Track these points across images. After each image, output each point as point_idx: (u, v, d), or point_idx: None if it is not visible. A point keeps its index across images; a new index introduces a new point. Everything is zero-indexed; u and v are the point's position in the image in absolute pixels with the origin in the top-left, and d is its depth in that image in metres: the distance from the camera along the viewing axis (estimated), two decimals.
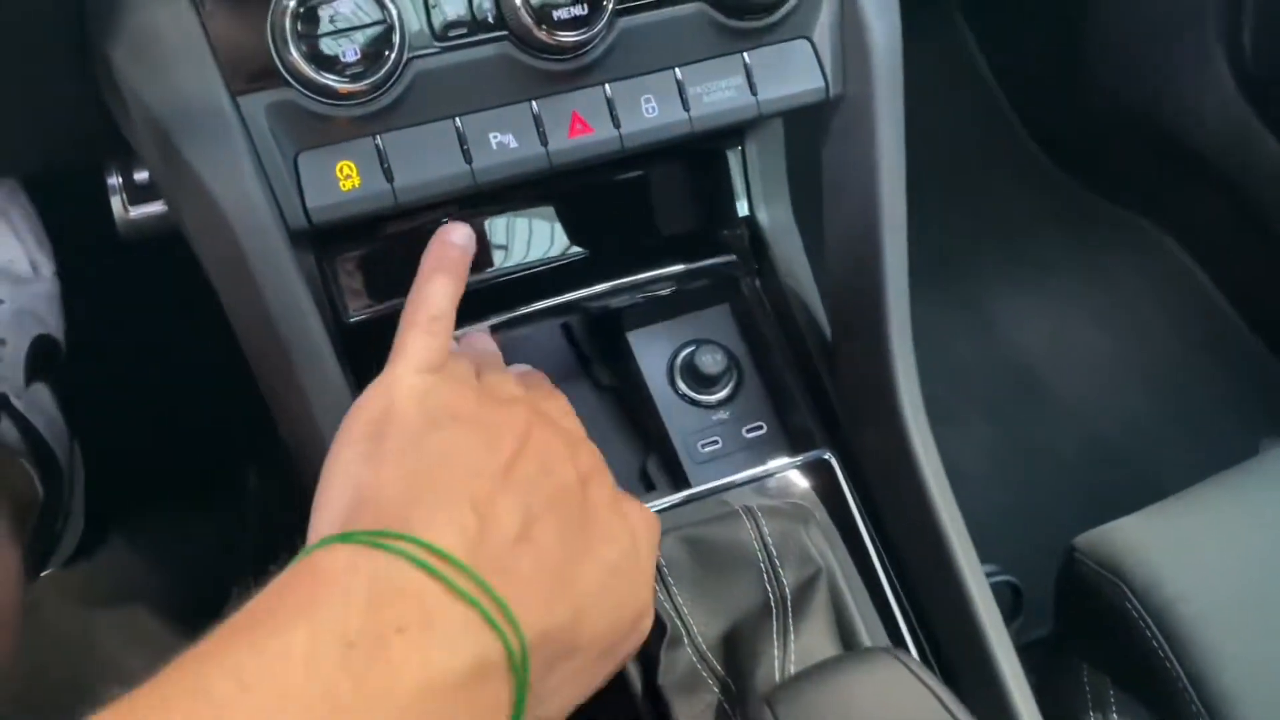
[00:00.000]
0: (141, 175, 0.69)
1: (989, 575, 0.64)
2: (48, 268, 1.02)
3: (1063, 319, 1.32)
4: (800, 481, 0.67)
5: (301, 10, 0.50)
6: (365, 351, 0.67)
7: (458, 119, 0.55)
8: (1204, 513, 0.69)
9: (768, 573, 0.58)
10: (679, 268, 0.72)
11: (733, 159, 0.73)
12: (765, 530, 0.59)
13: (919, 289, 0.66)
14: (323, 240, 0.62)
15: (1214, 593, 0.64)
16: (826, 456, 0.67)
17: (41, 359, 0.97)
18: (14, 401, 0.92)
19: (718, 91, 0.59)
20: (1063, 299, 1.34)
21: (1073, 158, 1.41)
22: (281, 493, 1.03)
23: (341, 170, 0.54)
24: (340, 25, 0.51)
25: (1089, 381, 1.27)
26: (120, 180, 0.70)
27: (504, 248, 0.70)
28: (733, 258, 0.74)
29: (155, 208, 0.70)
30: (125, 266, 0.95)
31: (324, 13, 0.50)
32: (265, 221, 0.52)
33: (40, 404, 0.96)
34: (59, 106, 0.61)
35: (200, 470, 1.08)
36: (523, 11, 0.53)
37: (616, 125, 0.58)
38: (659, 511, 0.63)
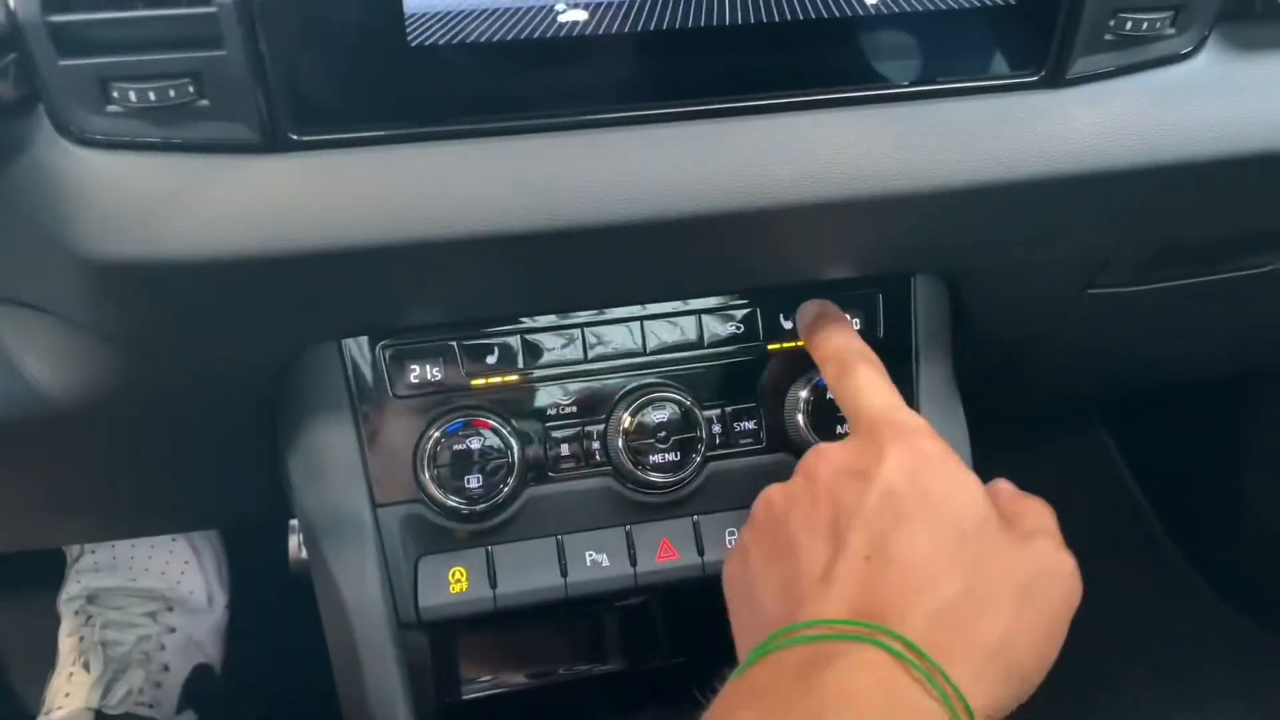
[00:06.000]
0: None
1: None
2: (221, 600, 1.14)
3: None
4: None
5: (440, 443, 0.60)
6: None
7: (560, 536, 0.63)
8: None
9: None
10: None
11: None
12: None
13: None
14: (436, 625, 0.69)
15: None
16: None
17: (196, 687, 1.06)
18: None
19: None
20: None
21: (1229, 582, 1.35)
22: None
23: (454, 575, 0.62)
24: (471, 458, 0.60)
25: None
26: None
27: (593, 647, 0.75)
28: None
29: None
30: (286, 601, 1.05)
31: (458, 446, 0.60)
32: (378, 618, 0.60)
33: None
34: (255, 484, 0.73)
35: None
36: (624, 454, 0.62)
37: (700, 553, 0.64)
38: None
